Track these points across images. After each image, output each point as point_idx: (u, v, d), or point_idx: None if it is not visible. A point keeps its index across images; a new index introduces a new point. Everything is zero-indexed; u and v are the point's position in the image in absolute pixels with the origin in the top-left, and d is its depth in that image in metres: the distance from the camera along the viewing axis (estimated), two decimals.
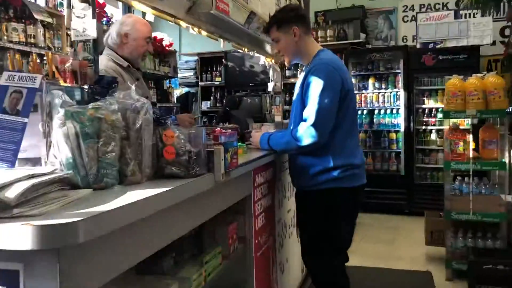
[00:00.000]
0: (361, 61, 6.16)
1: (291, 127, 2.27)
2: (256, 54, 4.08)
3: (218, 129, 2.00)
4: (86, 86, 1.42)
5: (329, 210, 2.18)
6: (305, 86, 2.15)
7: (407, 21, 6.59)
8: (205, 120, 7.01)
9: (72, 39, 1.57)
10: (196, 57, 7.13)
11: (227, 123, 4.82)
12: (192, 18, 2.27)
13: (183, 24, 2.38)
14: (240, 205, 1.95)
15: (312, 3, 5.48)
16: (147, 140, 1.30)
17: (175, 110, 7.09)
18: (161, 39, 5.82)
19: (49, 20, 3.76)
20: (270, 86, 4.48)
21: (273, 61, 4.23)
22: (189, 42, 7.55)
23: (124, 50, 2.45)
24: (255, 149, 2.39)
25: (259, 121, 4.85)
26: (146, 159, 1.30)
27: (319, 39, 6.20)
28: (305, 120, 2.12)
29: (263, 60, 4.34)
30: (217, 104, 6.94)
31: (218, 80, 6.89)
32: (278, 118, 4.44)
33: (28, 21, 3.62)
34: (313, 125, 2.08)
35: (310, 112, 2.10)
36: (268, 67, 4.74)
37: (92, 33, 1.54)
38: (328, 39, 6.30)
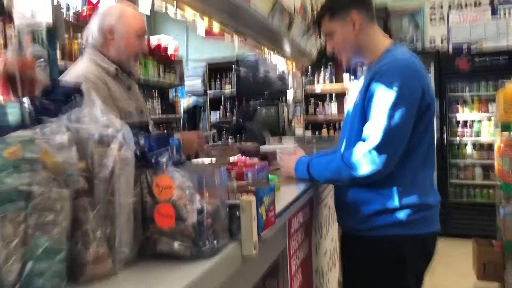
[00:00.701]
0: None
1: (342, 149, 1.69)
2: (273, 58, 3.52)
3: (240, 158, 1.42)
4: (27, 100, 0.84)
5: (390, 264, 1.59)
6: (368, 93, 1.58)
7: (435, 21, 5.99)
8: (214, 131, 6.46)
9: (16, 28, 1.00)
10: (204, 64, 6.58)
11: (240, 136, 4.26)
12: (201, 4, 1.70)
13: (190, 13, 1.81)
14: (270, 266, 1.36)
15: None
16: (124, 195, 0.73)
17: (181, 122, 6.57)
18: (166, 44, 5.27)
19: None
20: (289, 94, 3.92)
21: (293, 64, 3.66)
22: (196, 47, 7.02)
23: (110, 50, 1.88)
24: (286, 178, 1.80)
25: (276, 134, 4.27)
26: (123, 229, 0.72)
27: None
28: (364, 140, 1.55)
29: (280, 64, 3.77)
30: (227, 115, 6.37)
31: (228, 89, 6.32)
32: (299, 131, 3.87)
33: None
34: (377, 148, 1.50)
35: (373, 130, 1.52)
36: (286, 73, 4.17)
37: (46, 17, 0.97)
38: None
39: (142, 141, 0.80)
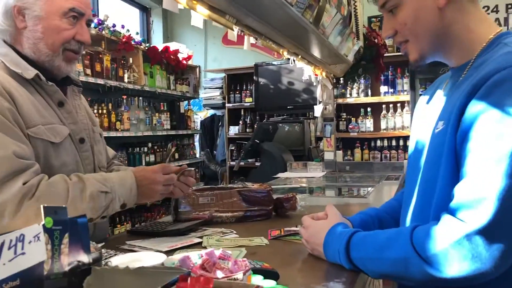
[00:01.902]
0: (433, 77, 4.74)
1: (409, 211, 1.01)
2: (298, 64, 2.79)
3: (207, 260, 0.72)
4: None
5: None
6: (465, 122, 0.87)
7: None
8: (233, 148, 5.78)
9: None
10: (223, 74, 5.94)
11: (256, 159, 3.55)
12: None
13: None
14: None
15: (366, 5, 4.20)
16: None
17: (198, 137, 5.93)
18: (176, 51, 4.64)
19: None
20: (318, 109, 3.19)
21: (323, 73, 2.93)
22: (215, 58, 6.42)
23: (24, 43, 1.22)
24: (311, 256, 1.08)
25: (300, 158, 3.53)
26: None
27: None
28: (455, 211, 0.84)
29: (307, 73, 3.04)
30: (247, 130, 5.68)
31: (248, 101, 5.64)
32: (329, 156, 3.12)
33: None
34: (484, 231, 0.79)
35: (476, 196, 0.82)
36: (314, 83, 3.43)
37: None
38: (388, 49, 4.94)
39: None
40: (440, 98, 1.06)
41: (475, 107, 0.86)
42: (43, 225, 0.67)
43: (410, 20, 0.99)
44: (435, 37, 0.99)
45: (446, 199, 0.87)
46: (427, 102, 1.14)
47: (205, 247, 1.31)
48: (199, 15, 1.69)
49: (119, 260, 0.92)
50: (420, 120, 1.13)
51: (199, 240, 1.38)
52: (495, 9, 5.11)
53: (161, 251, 1.23)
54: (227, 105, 5.83)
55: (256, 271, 0.91)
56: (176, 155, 4.80)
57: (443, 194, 0.89)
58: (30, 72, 1.19)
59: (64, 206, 0.71)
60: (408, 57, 1.04)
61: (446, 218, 0.85)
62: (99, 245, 0.98)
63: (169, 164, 1.39)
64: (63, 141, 1.23)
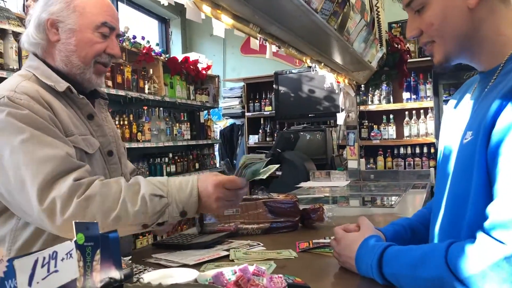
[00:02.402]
0: (456, 83, 4.64)
1: (437, 225, 0.97)
2: (320, 72, 2.76)
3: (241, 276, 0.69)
4: None
5: None
6: (498, 133, 0.83)
7: None
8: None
9: None
10: (242, 83, 5.94)
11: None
12: None
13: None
14: None
15: (386, 11, 4.15)
16: None
17: (217, 147, 5.92)
18: (196, 61, 4.65)
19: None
20: (340, 117, 3.15)
21: (346, 81, 2.88)
22: (234, 67, 6.44)
23: (56, 56, 1.22)
24: (343, 269, 1.04)
25: (323, 167, 3.48)
26: None
27: None
28: (490, 230, 0.80)
29: (329, 80, 3.00)
30: (267, 139, 5.65)
31: (268, 110, 5.62)
32: (353, 164, 3.07)
33: None
34: None
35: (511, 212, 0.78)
36: (336, 90, 3.39)
37: None
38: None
39: None
40: (468, 103, 1.02)
41: (506, 119, 0.81)
42: (75, 241, 0.65)
43: (438, 20, 0.94)
44: (463, 38, 0.94)
45: (480, 215, 0.83)
46: (455, 107, 1.10)
47: (232, 260, 1.28)
48: (221, 24, 1.68)
49: (151, 277, 0.89)
50: (447, 126, 1.09)
51: (226, 253, 1.35)
52: None
53: (188, 265, 1.20)
54: (246, 114, 5.82)
55: (289, 286, 0.88)
56: (197, 165, 4.80)
57: (476, 210, 0.85)
58: (62, 85, 1.20)
59: (95, 222, 0.69)
60: (433, 58, 0.99)
61: (482, 238, 0.80)
62: (127, 258, 0.96)
63: (237, 178, 1.17)
64: (95, 153, 1.23)
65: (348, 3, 1.75)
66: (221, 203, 1.17)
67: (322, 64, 2.46)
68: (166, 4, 1.57)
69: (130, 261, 0.89)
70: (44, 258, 0.60)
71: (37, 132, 1.07)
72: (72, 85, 1.22)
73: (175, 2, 1.46)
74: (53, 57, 1.23)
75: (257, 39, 1.66)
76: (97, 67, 1.25)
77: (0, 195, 1.11)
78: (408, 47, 3.98)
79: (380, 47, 2.66)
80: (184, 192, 1.13)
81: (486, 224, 0.80)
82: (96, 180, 1.10)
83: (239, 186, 1.17)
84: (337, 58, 2.35)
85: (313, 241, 1.41)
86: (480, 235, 0.81)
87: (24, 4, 2.80)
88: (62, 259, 0.62)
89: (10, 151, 1.05)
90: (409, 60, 4.46)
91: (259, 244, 1.47)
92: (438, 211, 1.01)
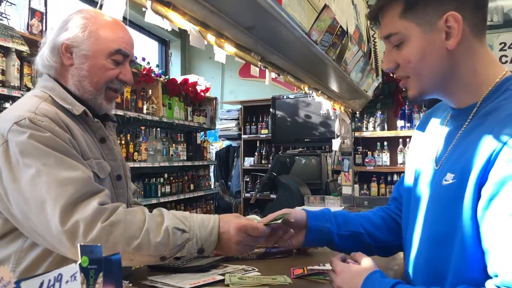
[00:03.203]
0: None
1: (411, 260, 1.02)
2: (317, 98, 2.81)
3: None
4: None
5: None
6: (492, 184, 0.82)
7: (506, 62, 5.16)
8: (248, 179, 5.77)
9: None
10: (239, 106, 6.00)
11: (272, 192, 3.53)
12: (202, 11, 1.05)
13: (183, 23, 1.16)
14: None
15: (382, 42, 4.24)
16: None
17: (212, 168, 5.93)
18: (195, 83, 4.71)
19: (28, 49, 2.69)
20: (335, 143, 3.19)
21: (342, 108, 2.94)
22: (232, 90, 6.51)
23: (69, 80, 1.24)
24: None
25: (317, 192, 3.51)
26: None
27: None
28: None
29: (325, 107, 3.06)
30: (262, 161, 5.68)
31: (264, 133, 5.67)
32: (347, 190, 3.10)
33: None
34: None
35: None
36: (332, 117, 3.44)
37: None
38: None
39: None
40: (438, 133, 1.04)
41: (499, 174, 0.81)
42: (80, 264, 0.67)
43: (416, 58, 0.94)
44: (439, 77, 0.95)
45: (472, 252, 0.84)
46: (423, 130, 1.14)
47: (227, 285, 1.29)
48: (223, 51, 1.73)
49: None
50: (416, 150, 1.12)
51: (221, 277, 1.35)
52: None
53: None
54: (243, 136, 5.85)
55: None
56: (192, 186, 4.80)
57: (465, 258, 0.86)
58: (78, 108, 1.20)
59: (99, 245, 0.71)
60: (407, 91, 1.00)
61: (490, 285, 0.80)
62: (127, 282, 0.97)
63: (261, 226, 1.17)
64: (105, 177, 1.23)
65: (346, 35, 1.81)
66: (240, 246, 1.17)
67: (319, 91, 2.51)
68: (169, 29, 1.62)
69: (130, 284, 0.90)
70: (49, 280, 0.61)
71: (58, 155, 1.07)
72: (86, 107, 1.23)
73: None
74: (65, 80, 1.24)
75: (257, 67, 1.71)
76: (109, 93, 1.26)
77: (11, 216, 1.11)
78: (408, 96, 4.07)
79: (376, 77, 2.72)
80: (205, 228, 1.14)
81: (498, 280, 0.79)
82: (120, 207, 1.10)
83: (261, 235, 1.18)
84: (334, 87, 2.40)
85: (308, 267, 1.42)
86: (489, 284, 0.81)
87: (28, 23, 2.85)
88: (67, 282, 0.63)
89: (31, 174, 1.04)
90: (404, 89, 4.55)
91: (254, 269, 1.48)
92: (410, 246, 1.03)
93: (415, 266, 1.02)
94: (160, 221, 1.10)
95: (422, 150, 1.09)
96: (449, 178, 0.91)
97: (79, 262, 0.67)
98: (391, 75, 3.29)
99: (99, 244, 0.87)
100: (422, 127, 1.15)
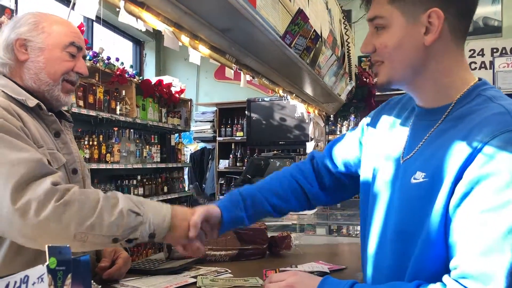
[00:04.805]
0: None
1: (369, 253, 1.04)
2: (292, 101, 2.84)
3: None
4: None
5: None
6: (467, 183, 0.84)
7: (475, 68, 5.34)
8: (222, 182, 5.76)
9: None
10: (214, 108, 5.98)
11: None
12: (176, 12, 1.04)
13: (157, 24, 1.16)
14: None
15: (357, 45, 4.32)
16: None
17: (187, 170, 5.89)
18: (169, 84, 4.68)
19: None
20: (310, 146, 3.22)
21: (316, 111, 2.97)
22: (207, 92, 6.49)
23: (25, 75, 1.25)
24: None
25: None
26: None
27: None
28: (460, 279, 0.82)
29: (300, 110, 3.09)
30: (237, 164, 5.69)
31: (239, 135, 5.67)
32: None
33: None
34: None
35: (485, 266, 0.80)
36: (306, 120, 3.48)
37: None
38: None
39: None
40: (401, 132, 1.05)
41: (475, 171, 0.83)
42: (47, 265, 0.66)
43: (393, 45, 0.96)
44: (410, 69, 0.96)
45: (430, 258, 0.88)
46: (375, 127, 1.16)
47: (200, 287, 1.29)
48: (198, 53, 1.73)
49: None
50: (372, 149, 1.13)
51: (193, 280, 1.35)
52: (480, 53, 5.31)
53: None
54: (218, 138, 5.84)
55: None
56: (165, 189, 4.75)
57: (427, 252, 0.88)
58: (32, 101, 1.21)
59: (67, 246, 0.69)
60: (377, 78, 1.02)
61: (452, 284, 0.82)
62: (96, 284, 0.96)
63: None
64: (59, 169, 1.22)
65: (320, 39, 1.84)
66: (188, 232, 1.18)
67: (294, 94, 2.53)
68: (143, 30, 1.61)
69: (100, 286, 0.89)
70: (15, 282, 0.60)
71: (9, 138, 1.07)
72: (40, 101, 1.24)
73: None
74: (21, 77, 1.25)
75: (232, 69, 1.72)
76: (65, 85, 1.28)
77: None
78: (376, 82, 4.13)
79: (349, 81, 2.77)
80: (158, 214, 1.15)
81: (457, 272, 0.82)
82: (75, 187, 1.09)
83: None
84: (308, 90, 2.43)
85: (280, 269, 1.43)
86: (449, 281, 0.83)
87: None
88: (34, 283, 0.62)
89: None
90: (377, 93, 4.64)
91: (227, 271, 1.48)
92: (369, 242, 1.05)
93: (376, 262, 1.03)
94: (115, 203, 1.10)
95: (379, 147, 1.10)
96: (419, 176, 0.92)
97: (46, 263, 0.66)
98: (365, 79, 3.35)
99: (52, 224, 0.84)
100: (374, 124, 1.17)
